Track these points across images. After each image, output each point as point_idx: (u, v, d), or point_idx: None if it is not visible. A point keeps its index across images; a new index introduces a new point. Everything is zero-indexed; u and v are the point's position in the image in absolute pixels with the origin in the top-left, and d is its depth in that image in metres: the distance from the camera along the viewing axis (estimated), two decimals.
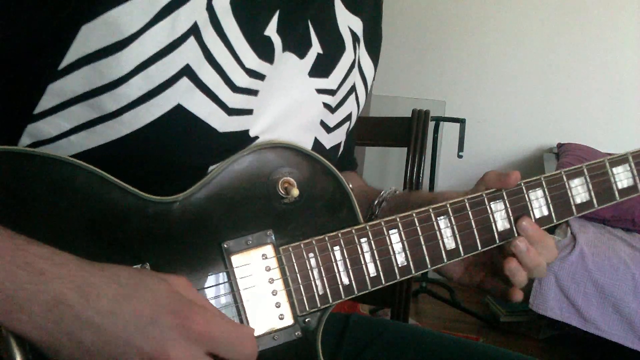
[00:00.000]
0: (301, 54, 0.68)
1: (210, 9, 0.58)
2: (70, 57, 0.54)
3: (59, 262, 0.49)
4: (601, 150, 2.90)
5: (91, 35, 0.54)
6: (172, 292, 0.50)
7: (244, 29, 0.61)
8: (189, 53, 0.57)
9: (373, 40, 0.82)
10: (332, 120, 0.74)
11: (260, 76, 0.63)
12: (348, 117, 0.77)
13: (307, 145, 0.71)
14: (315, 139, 0.72)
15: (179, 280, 0.53)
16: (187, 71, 0.57)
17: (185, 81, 0.57)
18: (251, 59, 0.61)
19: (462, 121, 2.92)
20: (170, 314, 0.48)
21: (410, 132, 1.35)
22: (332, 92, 0.72)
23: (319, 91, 0.70)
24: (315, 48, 0.69)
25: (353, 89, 0.77)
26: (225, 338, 0.51)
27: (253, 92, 0.63)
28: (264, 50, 0.63)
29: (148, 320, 0.48)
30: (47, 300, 0.46)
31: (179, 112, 0.58)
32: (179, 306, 0.49)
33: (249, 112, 0.63)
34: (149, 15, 0.55)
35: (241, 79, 0.61)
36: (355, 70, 0.77)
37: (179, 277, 0.53)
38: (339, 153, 0.80)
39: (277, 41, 0.64)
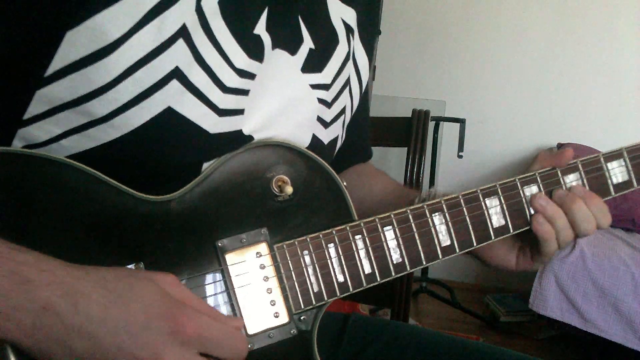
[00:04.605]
0: (292, 51, 0.67)
1: (199, 10, 0.58)
2: (56, 64, 0.54)
3: (45, 268, 0.48)
4: (601, 151, 2.89)
5: (76, 42, 0.53)
6: (161, 294, 0.50)
7: (233, 28, 0.60)
8: (178, 55, 0.57)
9: (368, 31, 0.81)
10: (328, 115, 0.74)
11: (250, 75, 0.62)
12: (342, 111, 0.77)
13: (306, 141, 0.71)
14: (313, 135, 0.72)
15: (166, 278, 0.52)
16: (176, 73, 0.57)
17: (175, 83, 0.57)
18: (241, 58, 0.61)
19: (462, 121, 2.91)
20: (162, 319, 0.48)
21: (410, 132, 1.35)
22: (326, 87, 0.72)
23: (314, 86, 0.70)
24: (307, 43, 0.69)
25: (347, 82, 0.76)
26: (215, 338, 0.51)
27: (244, 92, 0.62)
28: (254, 49, 0.62)
29: (140, 326, 0.48)
30: (35, 308, 0.46)
31: (169, 115, 0.58)
32: (169, 310, 0.49)
33: (240, 112, 0.62)
34: (135, 19, 0.54)
35: (231, 79, 0.61)
36: (350, 63, 0.76)
37: (166, 275, 0.53)
38: (337, 147, 0.80)
39: (266, 39, 0.64)
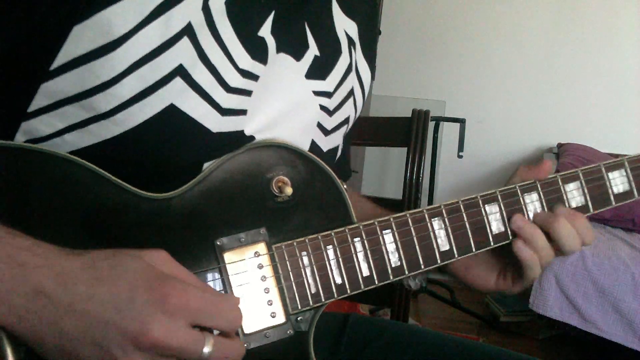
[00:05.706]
0: (298, 56, 0.67)
1: (206, 9, 0.58)
2: (62, 58, 0.54)
3: (39, 252, 0.48)
4: (601, 150, 2.90)
5: (83, 36, 0.53)
6: (147, 269, 0.50)
7: (238, 29, 0.61)
8: (183, 53, 0.57)
9: (369, 45, 0.82)
10: (329, 123, 0.74)
11: (253, 77, 0.63)
12: (346, 121, 0.77)
13: (304, 147, 0.70)
14: (313, 141, 0.72)
15: (157, 255, 0.52)
16: (180, 71, 0.57)
17: (178, 81, 0.57)
18: (244, 59, 0.61)
19: (462, 121, 2.92)
20: (146, 291, 0.48)
21: (410, 132, 1.34)
22: (329, 95, 0.72)
23: (317, 93, 0.70)
24: (312, 50, 0.69)
25: (351, 93, 0.76)
26: (203, 307, 0.50)
27: (246, 93, 0.62)
28: (257, 51, 0.62)
29: (125, 300, 0.47)
30: (27, 291, 0.46)
31: (172, 112, 0.58)
32: (154, 282, 0.49)
33: (242, 112, 0.63)
34: (142, 16, 0.55)
35: (235, 79, 0.61)
36: (353, 74, 0.76)
37: (158, 251, 0.52)
38: (337, 157, 0.80)
39: (271, 42, 0.64)
